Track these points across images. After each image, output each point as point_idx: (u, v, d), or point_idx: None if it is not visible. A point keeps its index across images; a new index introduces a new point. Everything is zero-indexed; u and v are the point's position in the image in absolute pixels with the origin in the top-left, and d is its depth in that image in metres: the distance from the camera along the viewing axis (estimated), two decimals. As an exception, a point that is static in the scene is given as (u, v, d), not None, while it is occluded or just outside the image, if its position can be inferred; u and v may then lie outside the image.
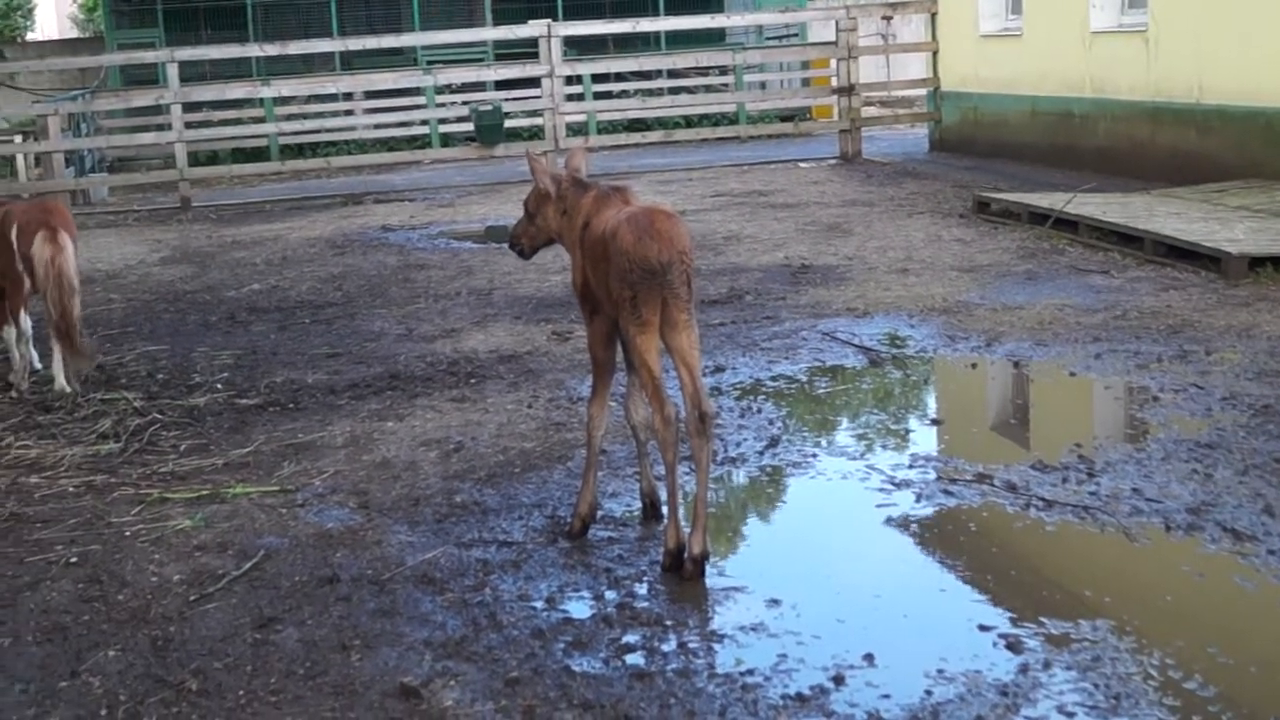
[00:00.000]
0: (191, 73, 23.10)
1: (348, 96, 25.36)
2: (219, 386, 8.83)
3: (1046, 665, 4.52)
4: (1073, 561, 5.40)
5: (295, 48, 22.05)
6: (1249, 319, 9.07)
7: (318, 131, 24.22)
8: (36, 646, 5.05)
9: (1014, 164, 19.05)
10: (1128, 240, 11.82)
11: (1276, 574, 5.16)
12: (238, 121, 24.15)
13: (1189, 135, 15.95)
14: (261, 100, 24.01)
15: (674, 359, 5.45)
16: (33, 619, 5.30)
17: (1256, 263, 10.39)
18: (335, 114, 25.02)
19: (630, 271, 5.30)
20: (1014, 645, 4.68)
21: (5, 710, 4.57)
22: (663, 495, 5.89)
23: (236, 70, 26.07)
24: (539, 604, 5.21)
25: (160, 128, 22.19)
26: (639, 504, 6.18)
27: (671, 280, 5.33)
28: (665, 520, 5.56)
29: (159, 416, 8.12)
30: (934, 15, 21.94)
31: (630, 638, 4.88)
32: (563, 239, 6.03)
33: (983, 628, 4.85)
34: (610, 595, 5.26)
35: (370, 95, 25.20)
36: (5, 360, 9.25)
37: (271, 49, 21.60)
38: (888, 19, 24.92)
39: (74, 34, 45.02)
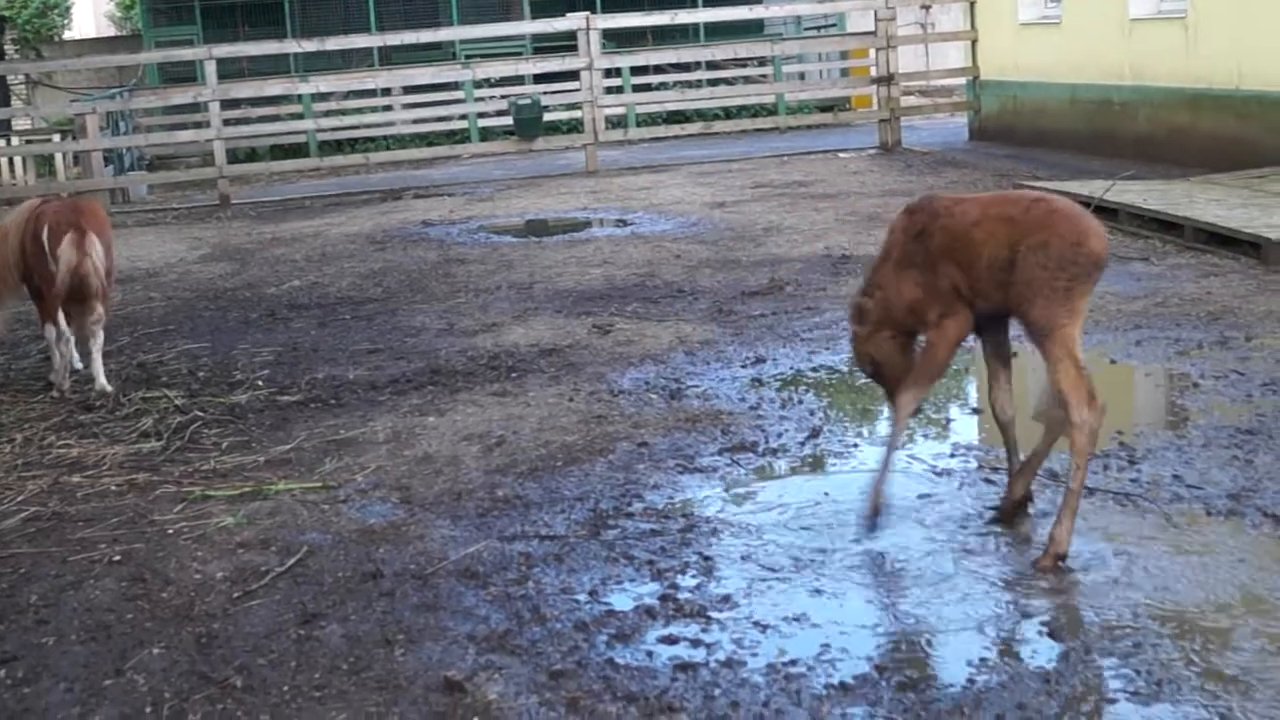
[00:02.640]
0: (229, 70, 23.18)
1: (386, 92, 25.48)
2: (260, 383, 8.88)
3: (1087, 652, 4.51)
4: (1113, 549, 5.38)
5: (333, 44, 22.16)
6: (1290, 305, 9.03)
7: (356, 127, 24.36)
8: (81, 645, 5.09)
9: (1054, 152, 18.97)
10: (1167, 227, 11.77)
11: (1320, 561, 5.14)
12: (276, 118, 24.27)
13: (1228, 122, 15.85)
14: (300, 96, 24.14)
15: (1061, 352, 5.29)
16: (76, 618, 5.34)
17: (1298, 248, 10.34)
18: (374, 109, 25.14)
19: (1075, 263, 5.23)
20: (1055, 633, 4.67)
21: (50, 709, 4.61)
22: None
23: (274, 67, 26.22)
24: (582, 597, 5.23)
25: (199, 125, 22.39)
26: (678, 495, 6.19)
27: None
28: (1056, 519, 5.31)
29: (200, 414, 8.18)
30: (973, 4, 21.88)
31: (673, 629, 4.89)
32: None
33: (1024, 616, 4.84)
34: (653, 587, 5.27)
35: (408, 90, 25.32)
36: (46, 360, 9.33)
37: (309, 45, 21.72)
38: (926, 8, 24.89)
39: (111, 32, 45.22)
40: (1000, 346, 5.80)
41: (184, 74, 26.65)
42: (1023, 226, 5.31)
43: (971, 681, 4.37)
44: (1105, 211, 12.52)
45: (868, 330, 5.77)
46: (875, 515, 5.66)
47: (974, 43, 22.03)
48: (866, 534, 5.64)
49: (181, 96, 22.53)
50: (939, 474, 6.38)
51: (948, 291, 5.52)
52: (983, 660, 4.52)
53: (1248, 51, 15.44)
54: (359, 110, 24.85)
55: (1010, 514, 5.72)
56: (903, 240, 5.71)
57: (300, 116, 24.13)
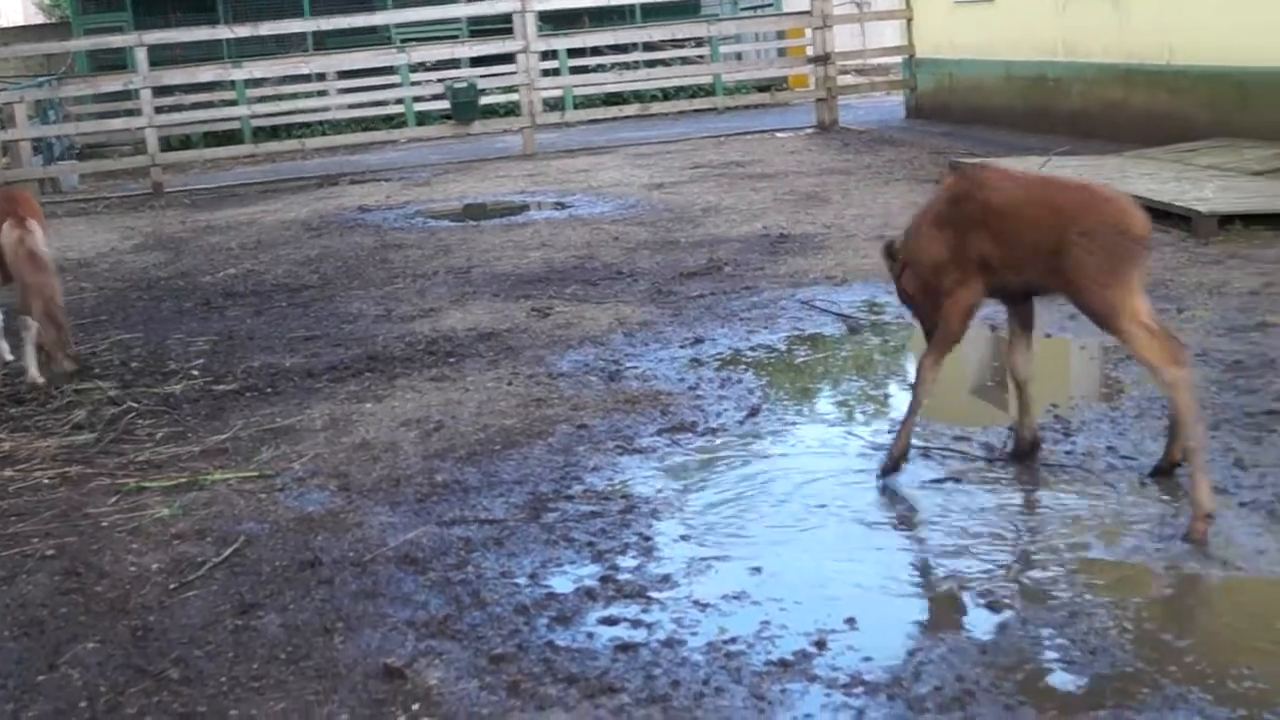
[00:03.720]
0: (161, 56, 23.00)
1: (321, 77, 25.33)
2: (195, 373, 8.81)
3: (1024, 622, 4.54)
4: (1049, 520, 5.42)
5: (266, 29, 22.02)
6: (1220, 276, 9.11)
7: (291, 113, 24.17)
8: (14, 641, 5.03)
9: (989, 129, 19.08)
10: (1102, 201, 11.83)
11: (1248, 525, 5.19)
12: (209, 105, 24.09)
13: (1160, 97, 15.98)
14: (233, 83, 23.94)
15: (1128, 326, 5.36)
16: (9, 614, 5.27)
17: (1226, 221, 10.46)
18: (308, 95, 24.98)
19: (1122, 247, 5.32)
20: (993, 604, 4.70)
21: (-14, 704, 4.57)
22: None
23: (207, 53, 25.94)
24: (522, 580, 5.22)
25: (130, 113, 22.16)
26: (617, 476, 6.20)
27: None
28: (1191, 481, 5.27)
29: (134, 405, 8.10)
30: (907, -18, 21.95)
31: (613, 610, 4.89)
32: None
33: (961, 588, 4.87)
34: (593, 569, 5.27)
35: (344, 75, 25.17)
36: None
37: (242, 30, 21.57)
38: (860, -14, 24.89)
39: (40, 20, 44.69)
40: (1026, 315, 6.03)
41: (114, 61, 26.38)
42: (1068, 214, 5.41)
43: (910, 654, 4.39)
44: (1040, 187, 12.59)
45: (898, 267, 6.12)
46: (895, 467, 5.98)
47: (909, 21, 22.12)
48: (882, 479, 5.95)
49: (112, 84, 22.31)
50: (877, 449, 6.40)
51: (972, 260, 5.69)
52: (921, 632, 4.55)
53: (1178, 27, 15.56)
54: (293, 96, 24.66)
55: (1025, 454, 6.05)
56: (944, 200, 5.89)
57: (234, 103, 23.95)
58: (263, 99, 24.31)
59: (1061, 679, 4.19)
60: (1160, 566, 4.95)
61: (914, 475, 6.03)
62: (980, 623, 4.59)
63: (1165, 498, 5.54)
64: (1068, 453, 6.11)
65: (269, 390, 8.26)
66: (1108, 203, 5.45)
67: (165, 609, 5.20)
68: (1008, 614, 4.62)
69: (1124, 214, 5.39)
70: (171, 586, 5.40)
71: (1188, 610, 4.57)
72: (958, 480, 5.94)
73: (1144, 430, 6.30)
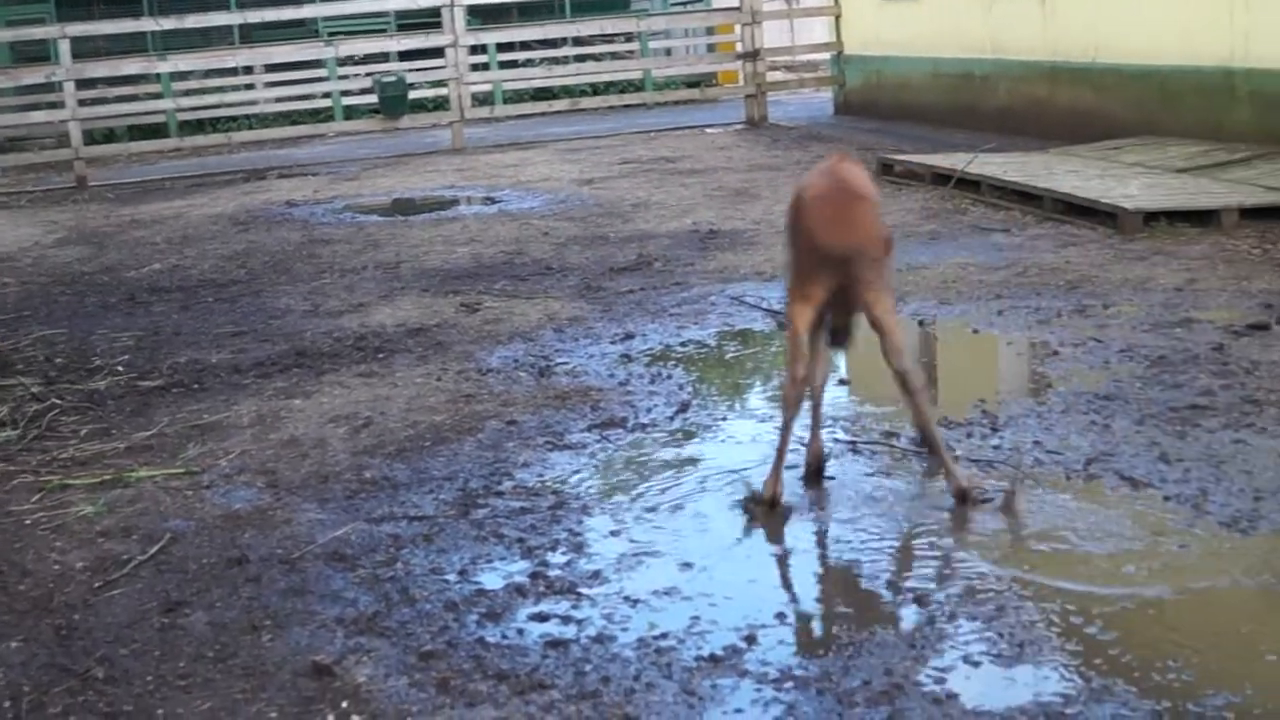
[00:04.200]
0: (84, 48, 22.67)
1: (247, 70, 25.10)
2: (120, 369, 8.72)
3: (952, 617, 4.57)
4: (977, 514, 5.45)
5: (192, 21, 21.75)
6: (1144, 273, 9.22)
7: (217, 106, 23.95)
8: (-63, 639, 4.97)
9: (917, 125, 19.19)
10: (1028, 198, 11.96)
11: (1173, 518, 5.25)
12: (134, 98, 23.76)
13: (1086, 94, 16.14)
14: (158, 75, 23.64)
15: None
16: (-66, 611, 5.21)
17: (1151, 217, 10.58)
18: (235, 88, 24.76)
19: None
20: (921, 598, 4.73)
21: (-93, 705, 4.50)
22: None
23: (131, 45, 25.63)
24: (451, 577, 5.20)
25: (52, 105, 21.85)
26: (548, 473, 6.20)
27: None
28: None
29: (58, 401, 8.00)
30: (836, -21, 22.04)
31: (544, 607, 4.88)
32: None
33: (890, 583, 4.90)
34: (523, 565, 5.26)
35: (271, 68, 24.91)
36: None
37: (167, 23, 21.36)
38: (790, -17, 24.97)
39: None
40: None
41: (36, 53, 25.98)
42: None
43: (840, 648, 4.41)
44: (968, 184, 12.71)
45: None
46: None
47: (838, 18, 22.19)
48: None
49: (33, 76, 21.98)
50: (805, 444, 6.41)
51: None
52: (851, 627, 4.57)
53: (1103, 25, 15.72)
54: (220, 89, 24.45)
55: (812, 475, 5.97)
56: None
57: (159, 96, 23.66)
58: (188, 92, 24.06)
59: (989, 673, 4.22)
60: (1087, 562, 4.99)
61: (844, 470, 6.06)
62: (909, 617, 4.62)
63: (1093, 496, 5.60)
64: (995, 448, 6.16)
65: (195, 386, 8.19)
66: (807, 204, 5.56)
67: (90, 607, 5.14)
68: (936, 608, 4.65)
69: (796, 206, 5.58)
70: (96, 585, 5.34)
71: (1114, 604, 4.61)
72: (887, 475, 5.97)
73: (1070, 425, 6.36)
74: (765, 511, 5.61)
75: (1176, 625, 4.47)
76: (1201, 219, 10.56)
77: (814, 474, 5.93)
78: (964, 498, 5.50)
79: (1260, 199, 10.74)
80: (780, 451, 5.66)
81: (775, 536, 5.45)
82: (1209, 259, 9.53)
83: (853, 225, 5.47)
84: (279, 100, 24.19)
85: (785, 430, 5.67)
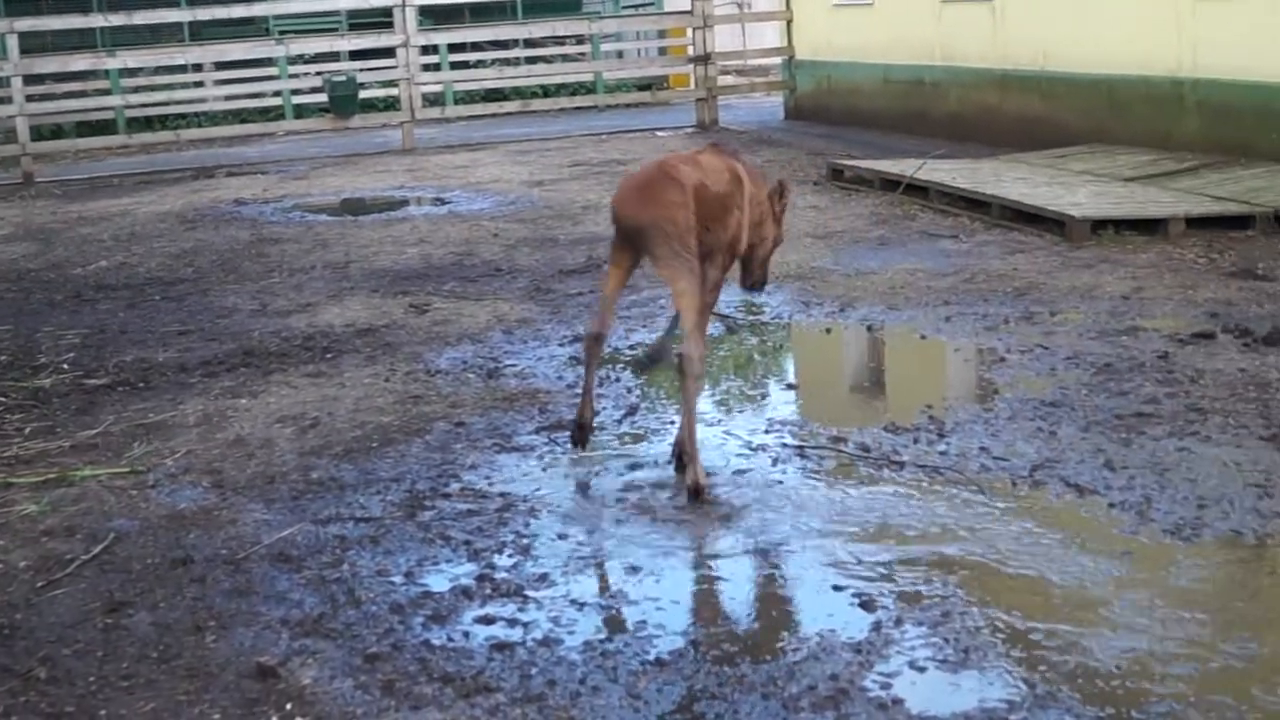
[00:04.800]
0: (33, 44, 22.49)
1: (197, 68, 24.95)
2: (65, 367, 8.65)
3: (898, 622, 4.59)
4: (923, 520, 5.48)
5: (141, 18, 21.61)
6: (1091, 280, 9.28)
7: (166, 103, 23.81)
8: (-123, 638, 4.92)
9: (867, 131, 19.25)
10: (976, 205, 12.03)
11: (1117, 526, 5.29)
12: (82, 94, 23.61)
13: (1034, 102, 16.25)
14: (107, 72, 23.51)
15: None
16: (-127, 610, 5.16)
17: (1099, 225, 10.66)
18: (184, 85, 24.62)
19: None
20: (867, 604, 4.74)
21: None
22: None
23: (80, 41, 25.44)
24: (398, 579, 5.19)
25: (0, 101, 21.67)
26: (495, 475, 6.20)
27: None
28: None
29: (2, 399, 7.93)
30: (788, -17, 22.10)
31: (490, 609, 4.88)
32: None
33: (836, 588, 4.91)
34: (469, 568, 5.25)
35: (221, 66, 24.79)
36: None
37: (116, 19, 21.21)
38: (741, -13, 25.02)
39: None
40: None
41: (-15, 49, 25.79)
42: None
43: (784, 653, 4.42)
44: (916, 190, 12.77)
45: None
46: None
47: (789, 23, 22.27)
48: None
49: (-19, 72, 21.82)
50: (754, 449, 6.44)
51: None
52: (796, 632, 4.58)
53: (1052, 33, 15.83)
54: (169, 86, 24.30)
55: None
56: None
57: (108, 92, 23.53)
58: (137, 89, 23.93)
59: (934, 678, 4.24)
60: (1032, 568, 5.02)
61: (790, 474, 6.08)
62: (855, 622, 4.63)
63: (1037, 501, 5.63)
64: (942, 454, 6.19)
65: (141, 385, 8.13)
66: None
67: (33, 607, 5.10)
68: (881, 613, 4.67)
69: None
70: (39, 584, 5.30)
71: (1058, 611, 4.64)
72: (832, 479, 5.99)
73: (1016, 431, 6.39)
74: (576, 434, 6.36)
75: (1119, 633, 4.50)
76: (1149, 228, 10.64)
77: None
78: (697, 493, 5.78)
79: (1207, 209, 10.83)
80: (587, 388, 6.39)
81: (722, 542, 5.46)
82: (1156, 268, 9.61)
83: (645, 203, 5.93)
84: (229, 98, 24.06)
85: (588, 373, 6.41)
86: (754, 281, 6.64)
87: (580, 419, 6.38)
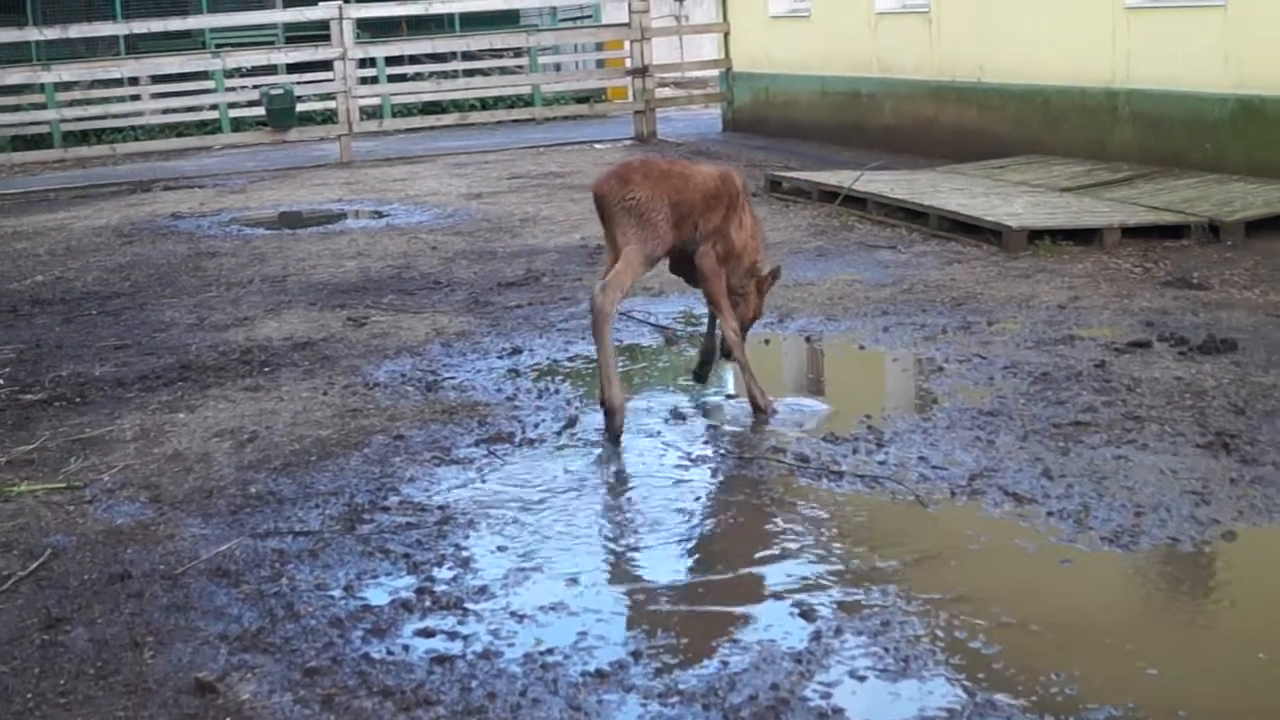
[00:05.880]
0: (-35, 58, 22.33)
1: (133, 81, 24.79)
2: (0, 382, 8.57)
3: (839, 632, 4.61)
4: (862, 530, 5.51)
5: (76, 31, 21.46)
6: (1029, 290, 9.36)
7: (103, 117, 23.63)
8: None
9: (805, 143, 19.35)
10: (914, 216, 12.10)
11: (1055, 534, 5.33)
12: (17, 108, 23.41)
13: (971, 113, 16.37)
14: (42, 86, 23.31)
15: None
16: None
17: (1035, 235, 10.75)
18: (120, 99, 24.43)
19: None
20: (807, 613, 4.76)
21: None
22: None
23: (15, 55, 25.22)
24: (337, 592, 5.17)
25: (-66, 115, 21.50)
26: (434, 488, 6.19)
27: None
28: None
29: (-62, 414, 7.86)
30: (725, -3, 22.18)
31: (430, 622, 4.87)
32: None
33: (776, 597, 4.93)
34: (409, 581, 5.23)
35: (157, 80, 24.65)
36: None
37: (51, 32, 21.00)
38: (680, 0, 25.07)
39: None
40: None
41: (-83, 62, 25.56)
42: None
43: (725, 663, 4.43)
44: (854, 201, 12.83)
45: None
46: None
47: (726, 35, 22.34)
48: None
49: (-86, 85, 21.61)
50: (694, 461, 6.45)
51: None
52: (736, 642, 4.59)
53: (988, 45, 15.96)
54: (105, 100, 24.12)
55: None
56: None
57: (43, 106, 23.34)
58: (73, 103, 23.74)
59: (875, 687, 4.26)
60: (972, 576, 5.06)
61: (730, 485, 6.10)
62: (795, 632, 4.64)
63: (979, 510, 5.67)
64: (881, 463, 6.22)
65: (78, 400, 8.07)
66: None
67: (-33, 625, 5.05)
68: (821, 623, 4.69)
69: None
70: (-26, 602, 5.25)
71: (997, 619, 4.67)
72: (775, 490, 6.01)
73: (955, 441, 6.44)
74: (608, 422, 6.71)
75: (1059, 640, 4.53)
76: (1084, 237, 10.74)
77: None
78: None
79: (1142, 218, 10.94)
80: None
81: (662, 551, 5.47)
82: (1092, 277, 9.70)
83: (605, 179, 6.97)
84: (165, 112, 23.93)
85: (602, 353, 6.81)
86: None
87: (608, 403, 6.68)
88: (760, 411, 7.04)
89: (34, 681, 4.57)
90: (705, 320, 9.06)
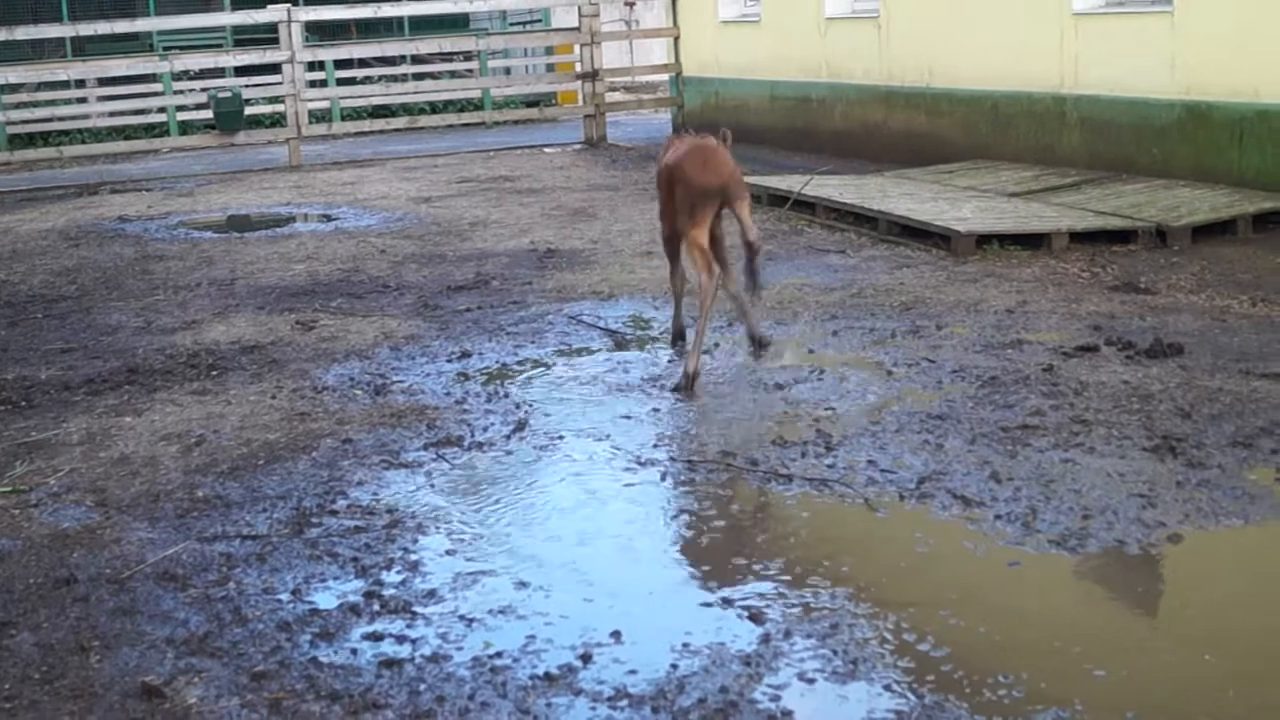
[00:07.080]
0: (-90, 60, 22.13)
1: (80, 84, 24.63)
2: (-55, 385, 8.50)
3: (787, 634, 4.62)
4: (811, 533, 5.53)
5: (23, 33, 21.25)
6: (977, 294, 9.41)
7: (49, 120, 23.46)
8: None
9: (755, 147, 19.35)
10: (863, 220, 12.15)
11: (1003, 537, 5.36)
12: (-38, 110, 23.23)
13: (920, 118, 16.45)
14: (-13, 88, 23.13)
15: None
16: None
17: (983, 240, 10.81)
18: (67, 101, 24.27)
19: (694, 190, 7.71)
20: (756, 616, 4.77)
21: None
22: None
23: (-41, 57, 25.07)
24: (284, 596, 5.15)
25: (-123, 117, 21.29)
26: (383, 491, 6.17)
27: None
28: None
29: (-120, 418, 7.78)
30: (675, 1, 22.20)
31: (378, 626, 4.85)
32: None
33: (725, 601, 4.93)
34: (357, 584, 5.22)
35: (104, 82, 24.49)
36: None
37: (-4, 35, 20.85)
38: (630, 5, 25.22)
39: None
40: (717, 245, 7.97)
41: None
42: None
43: (674, 666, 4.44)
44: (804, 205, 12.87)
45: None
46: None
47: (676, 40, 22.37)
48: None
49: None
50: (643, 463, 6.45)
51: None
52: (685, 646, 4.59)
53: (937, 51, 16.04)
54: (51, 102, 23.97)
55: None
56: None
57: (-13, 108, 23.17)
58: (18, 105, 23.55)
59: (824, 690, 4.28)
60: (920, 579, 5.08)
61: (679, 489, 6.11)
62: (744, 635, 4.65)
63: (927, 513, 5.69)
64: (829, 467, 6.24)
65: (23, 403, 8.00)
66: (686, 160, 7.72)
67: (-91, 630, 5.00)
68: (770, 626, 4.70)
69: (680, 169, 7.74)
70: (-84, 607, 5.20)
71: (945, 622, 4.69)
72: (723, 492, 6.02)
73: (903, 444, 6.46)
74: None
75: (1006, 643, 4.56)
76: (1032, 242, 10.82)
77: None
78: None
79: (1089, 223, 11.02)
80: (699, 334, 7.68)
81: (611, 555, 5.47)
82: (1040, 281, 9.76)
83: (725, 164, 7.83)
84: (112, 115, 23.78)
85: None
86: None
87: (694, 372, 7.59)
88: (763, 345, 8.04)
89: (-22, 687, 4.53)
90: (654, 323, 9.09)
